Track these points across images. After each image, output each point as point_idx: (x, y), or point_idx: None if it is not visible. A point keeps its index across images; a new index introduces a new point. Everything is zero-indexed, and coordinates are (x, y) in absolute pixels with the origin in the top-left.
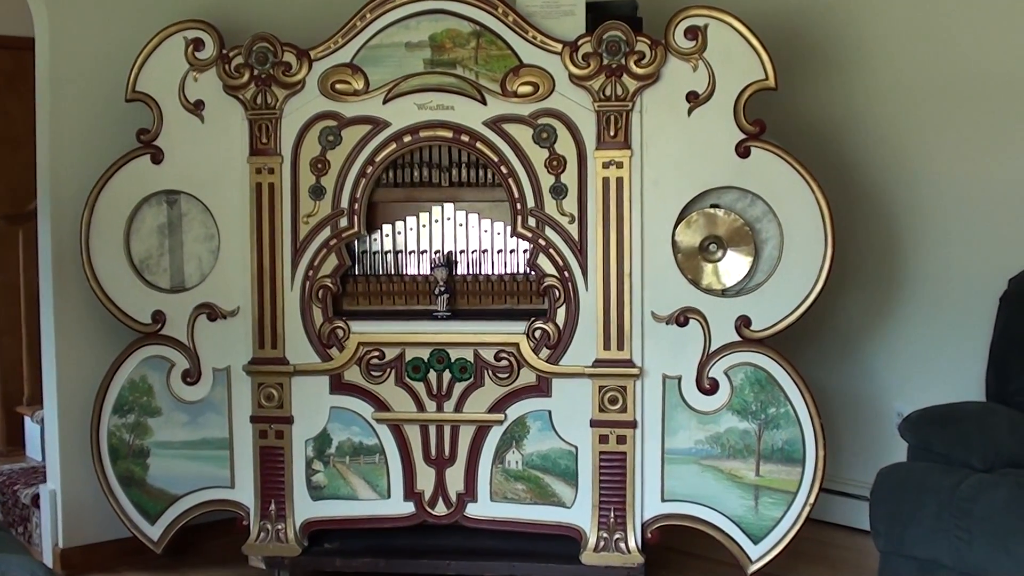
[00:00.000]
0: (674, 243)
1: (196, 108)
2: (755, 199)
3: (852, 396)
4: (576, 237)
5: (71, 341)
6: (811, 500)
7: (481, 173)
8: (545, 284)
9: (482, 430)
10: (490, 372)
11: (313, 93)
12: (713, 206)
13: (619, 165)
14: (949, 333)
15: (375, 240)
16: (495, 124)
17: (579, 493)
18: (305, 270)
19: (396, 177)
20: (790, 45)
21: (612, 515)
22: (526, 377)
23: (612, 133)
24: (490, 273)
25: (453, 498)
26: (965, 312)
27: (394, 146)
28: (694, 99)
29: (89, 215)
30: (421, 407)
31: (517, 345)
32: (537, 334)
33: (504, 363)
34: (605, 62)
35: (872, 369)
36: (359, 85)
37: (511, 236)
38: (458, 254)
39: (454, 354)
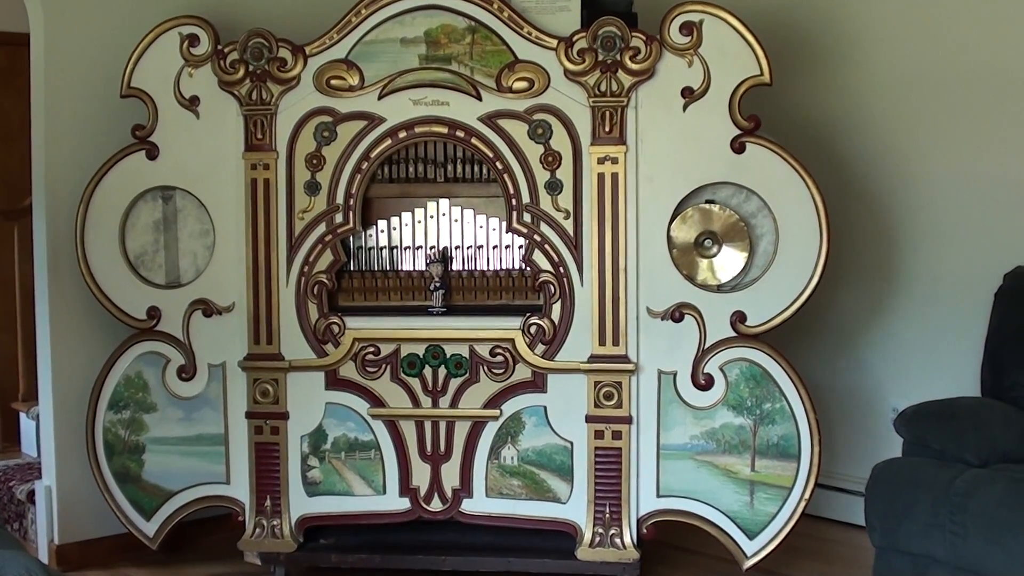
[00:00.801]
0: (669, 239)
1: (191, 104)
2: (750, 195)
3: (847, 391)
4: (571, 233)
5: (66, 337)
6: (806, 495)
7: (476, 169)
8: (540, 280)
9: (477, 426)
10: (485, 368)
11: (308, 89)
12: (708, 202)
13: (614, 161)
14: (944, 328)
15: (370, 236)
16: (490, 120)
17: (574, 489)
18: (300, 266)
19: (391, 173)
20: (785, 41)
21: (607, 511)
22: (521, 373)
23: (607, 129)
24: (485, 269)
25: (449, 494)
26: (960, 307)
27: (389, 142)
28: (689, 95)
29: (84, 211)
30: (416, 403)
31: (512, 341)
32: (532, 330)
33: (499, 359)
34: (600, 58)
35: (867, 364)
36: (354, 81)
37: (506, 232)
38: (453, 250)
39: (449, 350)
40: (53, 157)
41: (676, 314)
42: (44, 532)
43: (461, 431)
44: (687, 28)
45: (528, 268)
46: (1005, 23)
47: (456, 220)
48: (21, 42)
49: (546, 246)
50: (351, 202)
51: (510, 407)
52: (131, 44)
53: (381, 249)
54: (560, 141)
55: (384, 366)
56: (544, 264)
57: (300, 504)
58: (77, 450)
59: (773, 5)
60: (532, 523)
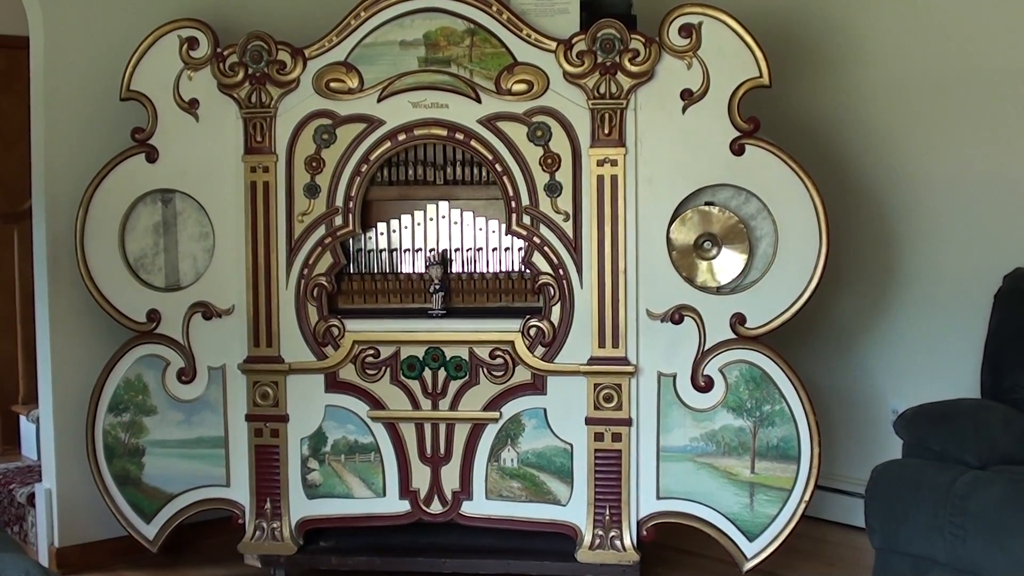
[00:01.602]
0: (669, 241)
1: (191, 107)
2: (749, 196)
3: (847, 393)
4: (571, 235)
5: (66, 340)
6: (806, 497)
7: (476, 171)
8: (540, 282)
9: (477, 428)
10: (485, 370)
11: (307, 91)
12: (708, 203)
13: (613, 163)
14: (944, 330)
15: (370, 238)
16: (489, 122)
17: (574, 491)
18: (300, 268)
19: (391, 175)
20: (784, 42)
21: (607, 513)
22: (521, 375)
23: (606, 131)
24: (485, 271)
25: (448, 496)
26: (960, 309)
27: (388, 144)
28: (688, 97)
29: (84, 214)
30: (416, 405)
31: (512, 343)
32: (532, 332)
33: (499, 361)
34: (599, 60)
35: (867, 366)
36: (353, 83)
37: (506, 234)
38: (453, 252)
39: (449, 352)
40: (53, 160)
41: (676, 316)
42: (44, 535)
43: (461, 433)
44: (686, 30)
45: (528, 270)
46: (1004, 23)
47: (455, 222)
48: (21, 45)
49: (545, 248)
50: (351, 204)
51: (510, 409)
52: (130, 47)
53: (381, 251)
54: (559, 143)
55: (384, 368)
56: (544, 266)
57: (300, 506)
58: (77, 453)
59: (772, 7)
60: (532, 525)
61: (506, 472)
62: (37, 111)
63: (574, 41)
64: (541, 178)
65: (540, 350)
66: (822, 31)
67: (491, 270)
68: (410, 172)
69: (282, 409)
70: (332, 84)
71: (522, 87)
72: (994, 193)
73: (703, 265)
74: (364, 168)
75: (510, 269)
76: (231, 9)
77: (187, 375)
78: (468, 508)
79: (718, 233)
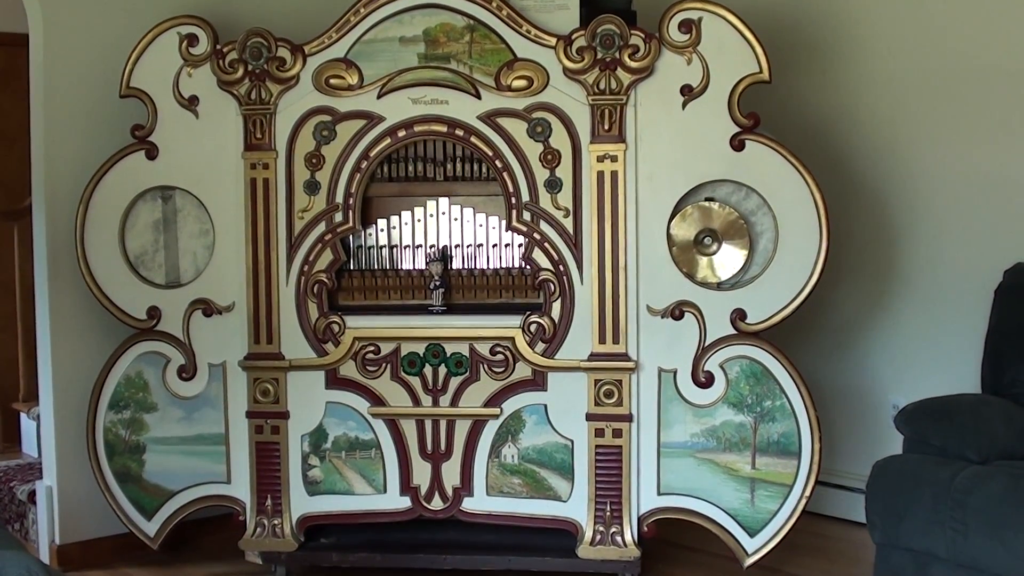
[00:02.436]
0: (669, 237)
1: (190, 104)
2: (750, 192)
3: (848, 389)
4: (571, 231)
5: (67, 337)
6: (807, 493)
7: (476, 167)
8: (540, 278)
9: (478, 424)
10: (486, 366)
11: (307, 88)
12: (708, 199)
13: (613, 159)
14: (944, 325)
15: (370, 235)
16: (489, 118)
17: (575, 487)
18: (300, 265)
19: (391, 172)
20: (784, 38)
21: (608, 509)
22: (522, 371)
23: (606, 127)
24: (485, 267)
25: (449, 492)
26: (960, 304)
27: (388, 141)
28: (688, 92)
29: (84, 211)
30: (417, 402)
31: (513, 339)
32: (532, 328)
33: (500, 357)
34: (599, 56)
35: (867, 362)
36: (353, 80)
37: (506, 230)
38: (453, 248)
39: (450, 348)
40: (53, 157)
41: (676, 312)
42: (45, 532)
43: (461, 430)
44: (686, 26)
45: (528, 266)
46: (1004, 20)
47: (456, 219)
48: (20, 43)
49: (546, 244)
50: (351, 201)
51: (510, 405)
52: (130, 44)
53: (381, 248)
54: (559, 139)
55: (384, 365)
56: (544, 262)
57: (301, 503)
58: (78, 450)
59: (772, 2)
60: (533, 521)
61: (507, 468)
62: (37, 109)
63: (574, 37)
64: (541, 174)
65: (541, 346)
66: (822, 27)
67: (491, 266)
68: (410, 168)
69: (283, 406)
70: (332, 80)
71: (522, 83)
72: (994, 188)
73: (703, 261)
74: (364, 164)
75: (510, 265)
76: (230, 6)
77: (187, 372)
78: (469, 504)
79: (718, 229)
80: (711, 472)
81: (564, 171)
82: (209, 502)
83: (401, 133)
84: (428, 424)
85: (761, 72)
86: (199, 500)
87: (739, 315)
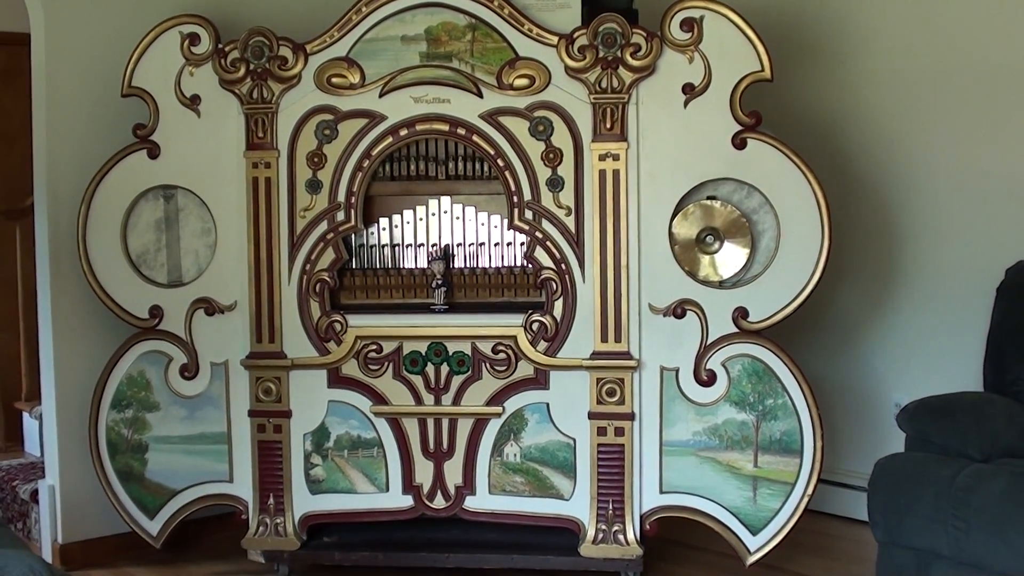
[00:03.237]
0: (671, 235)
1: (192, 103)
2: (752, 190)
3: (850, 387)
4: (573, 230)
5: (69, 337)
6: (809, 491)
7: (478, 166)
8: (542, 277)
9: (480, 423)
10: (488, 365)
11: (309, 87)
12: (710, 198)
13: (615, 157)
14: (946, 324)
15: (372, 234)
16: (491, 117)
17: (577, 485)
18: (302, 264)
19: (393, 171)
20: (786, 36)
21: (610, 507)
22: (524, 370)
23: (608, 125)
24: (487, 266)
25: (452, 491)
26: (962, 302)
27: (390, 139)
28: (690, 91)
29: (86, 210)
30: (419, 400)
31: (515, 338)
32: (535, 327)
33: (502, 356)
34: (601, 54)
35: (870, 360)
36: (355, 79)
37: (508, 229)
38: (455, 247)
39: (452, 347)
40: (55, 157)
41: (678, 310)
42: (48, 531)
43: (464, 428)
44: (688, 24)
45: (530, 265)
46: (1006, 18)
47: (458, 217)
48: (22, 42)
49: (548, 243)
50: (352, 200)
51: (513, 404)
52: (132, 43)
53: (383, 247)
54: (561, 138)
55: (386, 364)
56: (546, 261)
57: (303, 502)
58: (80, 449)
59: (774, 1)
60: (535, 520)
61: (509, 467)
62: (39, 108)
63: (575, 36)
64: (543, 173)
65: (543, 345)
66: (824, 25)
67: (493, 265)
68: (412, 167)
69: (285, 405)
70: (333, 79)
71: (524, 82)
72: (996, 187)
73: (705, 259)
74: (366, 163)
75: (512, 264)
76: (232, 5)
77: (190, 371)
78: (471, 503)
79: (720, 227)
80: (713, 470)
81: (566, 170)
82: (211, 501)
83: (403, 132)
84: (430, 423)
85: (763, 70)
86: (201, 499)
87: (741, 313)
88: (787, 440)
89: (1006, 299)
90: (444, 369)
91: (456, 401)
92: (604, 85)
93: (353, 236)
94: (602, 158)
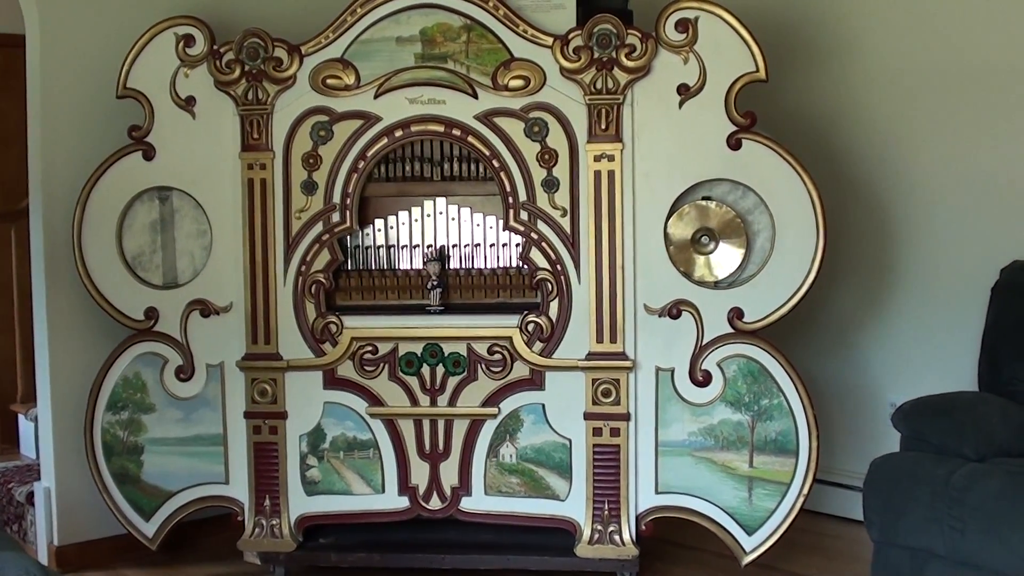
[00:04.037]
0: (666, 235)
1: (187, 104)
2: (747, 191)
3: (845, 387)
4: (568, 230)
5: (64, 338)
6: (805, 491)
7: (473, 167)
8: (538, 277)
9: (476, 424)
10: (483, 366)
11: (304, 88)
12: (705, 198)
13: (610, 158)
14: (942, 323)
15: (367, 235)
16: (486, 118)
17: (573, 486)
18: (298, 265)
19: (388, 172)
20: (781, 37)
21: (606, 507)
22: (519, 371)
23: (603, 126)
24: (483, 267)
25: (447, 492)
26: (957, 302)
27: (385, 141)
28: (685, 92)
29: (81, 212)
30: (415, 401)
31: (510, 339)
32: (530, 327)
33: (497, 357)
34: (596, 55)
35: (865, 360)
36: (350, 80)
37: (503, 230)
38: (450, 248)
39: (447, 348)
40: (50, 159)
41: (673, 311)
42: (43, 534)
43: (459, 429)
44: (682, 25)
45: (525, 266)
46: (1000, 18)
47: (453, 218)
48: (17, 44)
49: (543, 244)
50: (348, 201)
51: (508, 405)
52: (127, 45)
53: (378, 248)
54: (556, 139)
55: (382, 365)
56: (541, 262)
57: (299, 503)
58: (76, 451)
59: (768, 1)
60: (531, 521)
61: (505, 468)
62: (34, 109)
63: (570, 37)
64: (538, 174)
65: (538, 345)
66: (818, 25)
67: (489, 266)
68: (407, 168)
69: (280, 406)
70: (329, 81)
71: (519, 83)
72: (991, 187)
73: (700, 260)
74: (361, 165)
75: (508, 265)
76: (227, 6)
77: (185, 373)
78: (467, 504)
79: (715, 228)
80: (709, 471)
81: (561, 170)
82: (207, 503)
83: (398, 133)
84: (426, 424)
85: (758, 71)
86: (197, 501)
87: (736, 314)
88: (783, 440)
89: (1001, 298)
90: (440, 370)
91: (452, 402)
92: (599, 86)
93: (348, 237)
94: (597, 159)
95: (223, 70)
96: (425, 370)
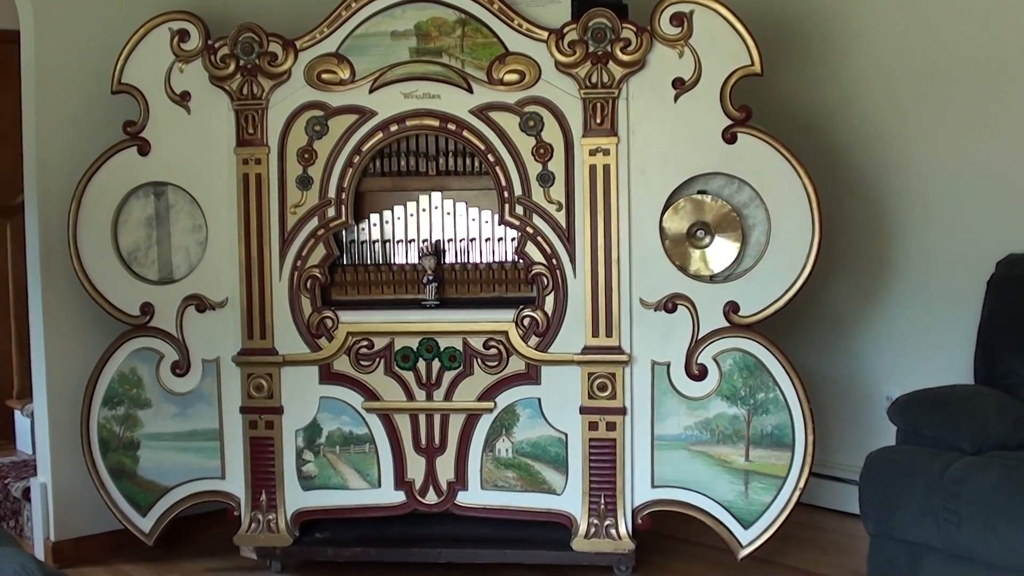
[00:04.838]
0: (662, 230)
1: (182, 99)
2: (742, 185)
3: (841, 380)
4: (563, 225)
5: (60, 334)
6: (801, 484)
7: (468, 162)
8: (533, 272)
9: (472, 418)
10: (479, 360)
11: (299, 83)
12: (700, 192)
13: (606, 152)
14: (937, 317)
15: (363, 229)
16: (481, 112)
17: (569, 480)
18: (293, 260)
19: (383, 166)
20: (776, 31)
21: (602, 501)
22: (515, 365)
23: (598, 120)
24: (478, 262)
25: (444, 486)
26: (953, 296)
27: (381, 135)
28: (680, 85)
29: (77, 208)
30: (411, 396)
31: (506, 333)
32: (526, 322)
33: (493, 351)
34: (591, 49)
35: (861, 353)
36: (345, 74)
37: (499, 224)
38: (446, 243)
39: (443, 343)
40: (45, 154)
41: (669, 305)
42: (40, 529)
43: (455, 424)
44: (678, 19)
45: (521, 260)
46: (996, 12)
47: (448, 213)
48: (11, 39)
49: (538, 238)
50: (343, 196)
51: (504, 399)
52: (121, 40)
53: (374, 243)
54: (551, 133)
55: (378, 360)
56: (537, 256)
57: (295, 498)
58: (72, 447)
59: None
60: (527, 515)
61: (501, 462)
62: (28, 105)
63: (565, 31)
64: (534, 168)
65: (534, 340)
66: (814, 19)
67: (484, 260)
68: (402, 163)
69: (276, 401)
70: (324, 75)
71: (514, 77)
72: (986, 180)
73: (696, 254)
74: (356, 159)
75: (503, 259)
76: (221, 1)
77: (181, 368)
78: (463, 498)
79: (711, 222)
80: (705, 464)
81: (556, 165)
82: (204, 498)
83: (393, 128)
84: (422, 418)
85: (753, 65)
86: (194, 496)
87: (732, 308)
88: (778, 434)
89: (997, 292)
90: (435, 365)
91: (448, 397)
92: (594, 80)
93: (344, 232)
94: (592, 153)
95: (218, 65)
96: (421, 365)
